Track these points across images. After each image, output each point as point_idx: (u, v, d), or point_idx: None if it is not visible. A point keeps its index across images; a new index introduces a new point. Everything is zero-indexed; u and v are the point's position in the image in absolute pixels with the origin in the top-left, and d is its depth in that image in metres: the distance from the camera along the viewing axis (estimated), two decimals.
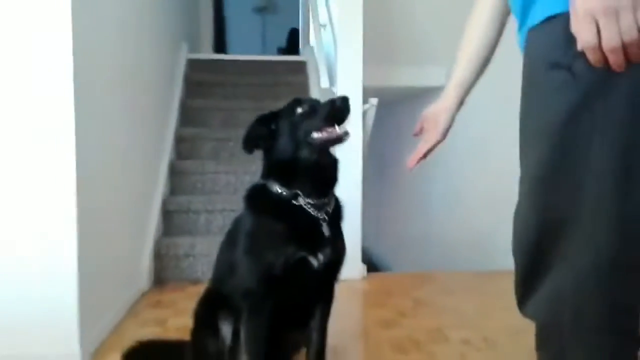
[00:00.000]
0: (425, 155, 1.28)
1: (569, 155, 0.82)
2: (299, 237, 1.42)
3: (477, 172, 4.15)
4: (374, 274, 3.32)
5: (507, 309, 2.53)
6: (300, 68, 4.82)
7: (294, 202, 1.42)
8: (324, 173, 1.47)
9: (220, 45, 7.45)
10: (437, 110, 1.23)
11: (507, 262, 3.32)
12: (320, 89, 3.79)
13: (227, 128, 4.00)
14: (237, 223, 1.61)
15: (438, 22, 4.45)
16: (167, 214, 3.33)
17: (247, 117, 4.33)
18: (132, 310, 2.53)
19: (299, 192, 1.42)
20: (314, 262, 1.43)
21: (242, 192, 3.59)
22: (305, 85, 4.49)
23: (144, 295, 2.81)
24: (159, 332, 2.20)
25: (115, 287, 2.38)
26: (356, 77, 3.12)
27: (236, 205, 3.16)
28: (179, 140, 3.83)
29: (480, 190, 4.10)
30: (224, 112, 4.15)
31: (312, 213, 1.43)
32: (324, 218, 1.45)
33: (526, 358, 1.94)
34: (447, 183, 4.63)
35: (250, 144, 1.50)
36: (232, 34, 8.55)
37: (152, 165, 3.28)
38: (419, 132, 1.27)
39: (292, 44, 8.39)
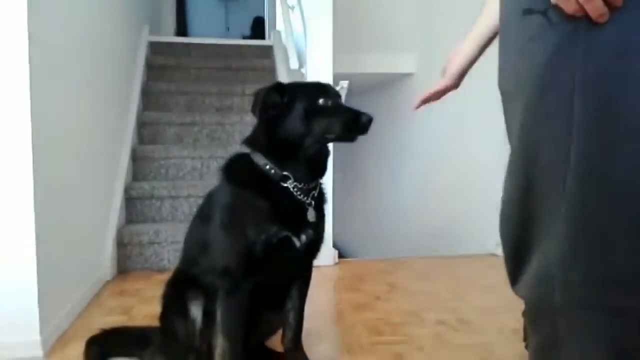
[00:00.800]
0: (431, 99, 1.20)
1: (549, 114, 0.75)
2: (283, 217, 1.36)
3: (445, 161, 4.16)
4: (345, 260, 3.28)
5: (479, 291, 2.56)
6: (267, 53, 4.73)
7: (282, 183, 1.37)
8: (318, 162, 1.43)
9: (181, 29, 7.26)
10: (454, 53, 1.16)
11: (473, 247, 3.34)
12: (289, 70, 3.71)
13: (192, 112, 3.88)
14: (211, 197, 1.52)
15: (407, 9, 4.44)
16: (130, 201, 3.19)
17: (212, 102, 4.25)
18: (96, 300, 2.41)
19: (290, 174, 1.37)
20: (297, 242, 1.38)
21: (208, 178, 3.49)
22: (272, 70, 4.41)
23: (107, 284, 2.68)
24: (124, 320, 2.09)
25: (76, 276, 2.26)
26: (326, 58, 3.05)
27: (202, 191, 3.07)
28: (141, 124, 3.68)
29: (448, 179, 4.11)
30: (187, 96, 4.02)
31: (299, 197, 1.38)
32: (310, 203, 1.41)
33: (501, 337, 1.94)
34: (415, 173, 4.64)
35: (263, 109, 1.36)
36: (194, 20, 8.36)
37: (114, 150, 3.13)
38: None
39: (256, 32, 8.26)
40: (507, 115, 0.87)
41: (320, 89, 1.41)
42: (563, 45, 0.73)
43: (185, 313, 1.47)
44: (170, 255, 2.93)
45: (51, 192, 1.90)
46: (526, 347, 1.73)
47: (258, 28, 8.19)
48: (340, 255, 3.19)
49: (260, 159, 1.39)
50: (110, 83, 3.09)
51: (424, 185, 4.48)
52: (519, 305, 1.77)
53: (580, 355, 0.79)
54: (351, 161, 5.85)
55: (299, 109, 1.35)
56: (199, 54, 4.58)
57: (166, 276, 1.63)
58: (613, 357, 0.77)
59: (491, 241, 3.30)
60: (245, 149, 1.43)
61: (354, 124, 1.34)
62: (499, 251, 3.34)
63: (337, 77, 3.08)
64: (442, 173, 4.19)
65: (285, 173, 1.37)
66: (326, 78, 3.00)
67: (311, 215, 1.40)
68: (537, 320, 0.85)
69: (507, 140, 0.87)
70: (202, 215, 1.52)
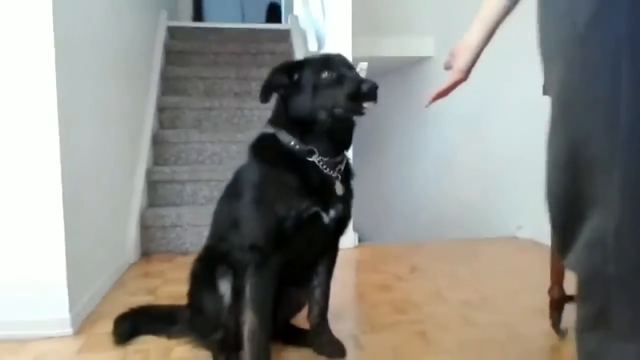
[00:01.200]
0: (443, 94, 1.21)
1: (594, 73, 0.72)
2: (312, 192, 1.37)
3: (464, 145, 4.11)
4: (365, 243, 3.27)
5: (502, 272, 2.55)
6: (285, 37, 4.71)
7: (308, 158, 1.37)
8: (340, 134, 1.43)
9: (198, 15, 7.27)
10: (460, 48, 1.16)
11: (494, 230, 3.28)
12: (307, 53, 3.69)
13: (210, 97, 3.89)
14: (239, 174, 1.53)
15: None
16: (151, 185, 3.22)
17: (230, 86, 4.23)
18: (121, 281, 2.44)
19: (314, 149, 1.38)
20: (325, 218, 1.39)
21: (228, 163, 3.49)
22: (290, 54, 4.38)
23: (132, 266, 2.72)
24: (150, 300, 2.12)
25: (102, 258, 2.29)
26: (345, 41, 3.03)
27: (223, 175, 3.08)
28: (160, 109, 3.70)
29: (467, 162, 4.07)
30: (206, 80, 4.02)
31: (325, 171, 1.39)
32: (337, 176, 1.41)
33: (526, 316, 1.92)
34: (433, 157, 4.60)
35: (269, 92, 1.40)
36: (210, 6, 8.35)
37: (135, 135, 3.16)
38: (449, 68, 1.20)
39: (271, 19, 8.21)
40: (547, 77, 0.84)
41: (324, 62, 1.39)
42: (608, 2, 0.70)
43: (213, 289, 1.48)
44: (192, 239, 2.95)
45: (77, 176, 1.94)
46: (552, 325, 1.72)
47: (273, 16, 8.15)
48: (358, 240, 3.19)
49: (284, 137, 1.40)
50: (130, 68, 3.11)
51: (443, 169, 4.44)
52: (544, 285, 1.76)
53: (634, 326, 0.77)
54: (369, 146, 5.82)
55: (304, 85, 1.37)
56: (217, 39, 4.57)
57: (189, 259, 1.65)
58: None
59: (512, 224, 3.27)
60: (270, 129, 1.44)
61: (358, 94, 1.29)
62: (520, 234, 3.31)
63: (355, 60, 3.05)
64: (461, 157, 4.15)
65: (310, 147, 1.37)
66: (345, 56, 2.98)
67: (339, 188, 1.41)
68: (588, 290, 0.82)
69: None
70: (231, 193, 1.53)
